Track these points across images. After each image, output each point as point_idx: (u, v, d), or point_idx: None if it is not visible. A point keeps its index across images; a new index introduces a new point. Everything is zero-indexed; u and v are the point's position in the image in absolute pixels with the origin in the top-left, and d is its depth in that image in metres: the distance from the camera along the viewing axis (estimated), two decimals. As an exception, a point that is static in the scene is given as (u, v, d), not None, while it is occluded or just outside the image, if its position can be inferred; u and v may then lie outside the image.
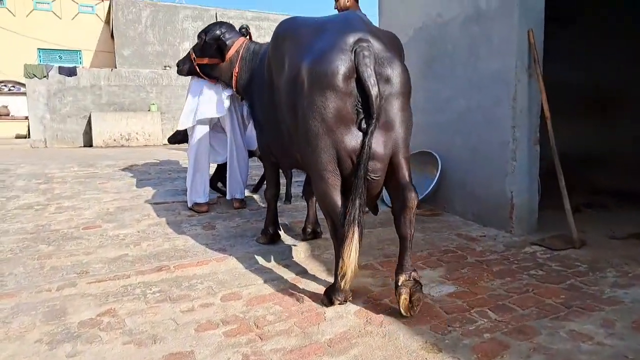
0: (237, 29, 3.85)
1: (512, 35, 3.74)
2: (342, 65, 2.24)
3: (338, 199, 2.40)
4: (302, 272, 3.06)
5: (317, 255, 3.40)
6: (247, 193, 4.93)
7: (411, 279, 2.40)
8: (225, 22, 3.96)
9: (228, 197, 4.61)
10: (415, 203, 2.41)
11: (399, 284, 2.38)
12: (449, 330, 2.24)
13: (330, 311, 2.49)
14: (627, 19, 5.84)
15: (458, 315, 2.40)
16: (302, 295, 2.70)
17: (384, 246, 3.59)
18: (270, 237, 3.58)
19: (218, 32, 3.71)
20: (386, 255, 3.39)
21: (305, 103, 2.32)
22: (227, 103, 4.13)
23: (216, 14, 17.37)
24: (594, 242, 3.66)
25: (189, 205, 4.47)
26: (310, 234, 3.65)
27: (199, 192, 4.47)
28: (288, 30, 2.57)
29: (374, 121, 2.26)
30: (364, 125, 2.29)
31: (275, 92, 2.73)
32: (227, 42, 3.67)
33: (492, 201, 4.05)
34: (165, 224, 4.02)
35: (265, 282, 2.90)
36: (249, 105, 3.79)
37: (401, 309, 2.34)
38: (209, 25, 3.90)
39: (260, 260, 3.28)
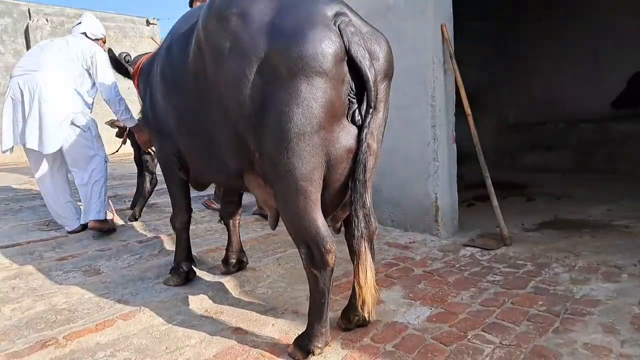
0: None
1: (427, 30, 3.58)
2: (331, 45, 1.72)
3: (321, 217, 1.88)
4: (243, 318, 2.43)
5: (251, 292, 2.78)
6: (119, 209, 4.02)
7: None
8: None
9: (82, 221, 3.75)
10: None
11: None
12: (464, 368, 1.87)
13: (310, 367, 1.94)
14: (489, 22, 6.26)
15: (460, 346, 2.05)
16: (261, 351, 2.09)
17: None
18: (184, 276, 2.84)
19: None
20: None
21: (283, 96, 1.74)
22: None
23: (29, 9, 14.85)
24: (515, 237, 3.67)
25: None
26: (235, 266, 3.00)
27: (63, 218, 3.75)
28: (231, 7, 1.92)
29: (371, 110, 1.82)
30: (357, 117, 1.83)
31: (209, 88, 2.05)
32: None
33: (414, 205, 3.85)
34: (26, 275, 2.96)
35: (201, 341, 2.20)
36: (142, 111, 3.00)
37: None
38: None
39: (182, 308, 2.54)
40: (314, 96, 1.72)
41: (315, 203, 1.86)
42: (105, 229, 3.69)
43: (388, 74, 1.93)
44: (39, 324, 2.36)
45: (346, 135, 1.83)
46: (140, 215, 4.30)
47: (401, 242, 3.66)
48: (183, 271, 2.84)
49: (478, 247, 3.47)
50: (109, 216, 3.87)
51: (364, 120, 1.83)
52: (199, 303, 2.61)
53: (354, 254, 2.02)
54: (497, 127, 8.24)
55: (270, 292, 2.77)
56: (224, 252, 3.40)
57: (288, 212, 1.91)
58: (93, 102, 3.88)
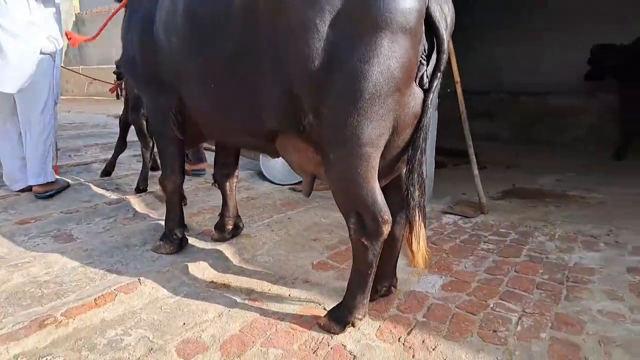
0: None
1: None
2: (418, 1, 1.59)
3: (378, 186, 1.79)
4: (254, 288, 2.30)
5: (252, 260, 2.63)
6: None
7: None
8: None
9: (29, 182, 3.25)
10: None
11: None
12: (500, 338, 1.91)
13: (349, 341, 1.88)
14: None
15: (487, 315, 2.09)
16: (288, 324, 1.99)
17: (314, 235, 3.01)
18: (177, 244, 2.62)
19: None
20: (330, 247, 2.84)
21: (362, 52, 1.57)
22: None
23: None
24: (488, 205, 3.80)
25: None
26: (230, 232, 2.81)
27: (14, 175, 3.29)
28: None
29: (439, 74, 1.74)
30: (425, 80, 1.73)
31: (260, 38, 1.79)
32: None
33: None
34: (-14, 241, 2.57)
35: (219, 314, 2.05)
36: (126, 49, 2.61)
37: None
38: None
39: (184, 279, 2.35)
40: (395, 54, 1.58)
41: (376, 170, 1.76)
42: (54, 190, 3.28)
43: (450, 37, 1.84)
44: (23, 300, 2.06)
45: (414, 99, 1.73)
46: (146, 187, 3.67)
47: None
48: (176, 238, 2.61)
49: (458, 215, 3.56)
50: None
51: (430, 84, 1.74)
52: (200, 273, 2.42)
53: (397, 224, 1.99)
54: (440, 94, 8.46)
55: (272, 260, 2.64)
56: (208, 215, 3.22)
57: (345, 179, 1.78)
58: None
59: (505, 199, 4.14)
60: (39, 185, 3.16)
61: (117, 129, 4.00)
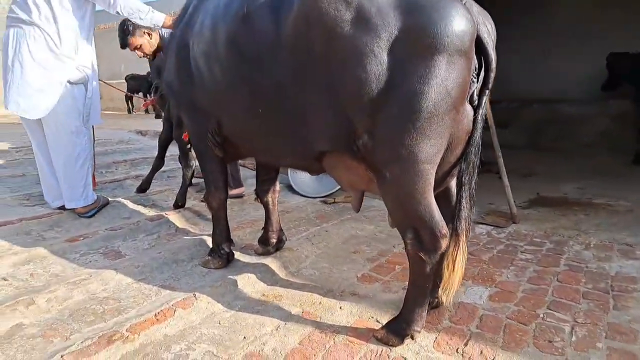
0: None
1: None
2: (471, 24, 1.68)
3: (434, 201, 1.84)
4: (306, 302, 2.35)
5: (298, 273, 2.69)
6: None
7: None
8: None
9: (67, 204, 3.30)
10: None
11: None
12: (557, 348, 1.95)
13: (408, 353, 1.92)
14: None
15: (539, 325, 2.13)
16: (345, 337, 2.04)
17: (353, 247, 3.07)
18: (225, 259, 2.68)
19: None
20: (370, 259, 2.89)
21: (421, 73, 1.64)
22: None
23: None
24: (518, 215, 3.84)
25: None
26: (274, 246, 2.87)
27: (54, 192, 3.36)
28: None
29: (487, 91, 1.83)
30: (475, 97, 1.82)
31: (313, 64, 1.86)
32: None
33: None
34: (40, 259, 2.63)
35: (277, 328, 2.11)
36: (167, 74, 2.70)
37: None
38: None
39: (237, 293, 2.41)
40: (451, 75, 1.65)
41: (432, 186, 1.81)
42: (96, 209, 3.36)
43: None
44: (87, 316, 2.12)
45: (466, 116, 1.81)
46: (184, 203, 3.77)
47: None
48: (224, 253, 2.68)
49: (491, 225, 3.60)
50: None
51: (479, 101, 1.82)
52: (251, 287, 2.48)
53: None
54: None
55: (317, 273, 2.70)
56: (248, 229, 3.28)
57: (402, 196, 1.84)
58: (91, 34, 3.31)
59: (533, 208, 4.18)
60: (81, 207, 3.24)
61: (141, 145, 4.10)
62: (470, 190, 1.90)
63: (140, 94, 11.19)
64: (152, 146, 5.95)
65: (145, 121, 9.52)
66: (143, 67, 8.79)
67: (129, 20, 3.43)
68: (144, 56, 3.78)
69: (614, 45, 6.79)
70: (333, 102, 1.87)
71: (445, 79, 1.65)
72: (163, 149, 3.97)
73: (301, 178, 4.28)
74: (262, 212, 3.62)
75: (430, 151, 1.74)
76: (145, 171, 4.60)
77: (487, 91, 1.83)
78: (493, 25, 1.88)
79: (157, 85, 4.03)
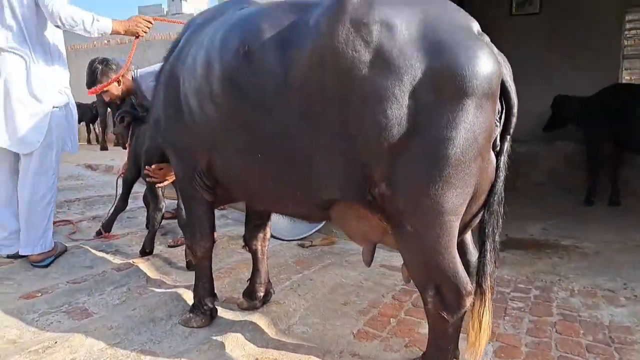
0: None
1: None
2: (498, 66, 1.59)
3: (458, 255, 1.72)
4: (304, 364, 2.15)
5: (288, 331, 2.47)
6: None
7: None
8: None
9: (21, 251, 2.97)
10: None
11: None
12: (578, 412, 1.86)
13: None
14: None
15: (554, 386, 2.04)
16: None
17: (342, 298, 2.89)
18: (209, 315, 2.43)
19: None
20: (362, 311, 2.73)
21: (448, 119, 1.53)
22: None
23: None
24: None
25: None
26: (261, 299, 2.65)
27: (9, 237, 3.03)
28: (373, 12, 1.60)
29: (509, 137, 1.73)
30: (497, 143, 1.72)
31: (324, 108, 1.71)
32: None
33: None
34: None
35: (278, 397, 1.89)
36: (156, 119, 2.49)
37: None
38: None
39: (228, 357, 2.16)
40: (479, 119, 1.56)
41: (456, 239, 1.70)
42: (53, 257, 3.02)
43: None
44: (55, 394, 1.82)
45: (490, 163, 1.71)
46: (152, 249, 3.46)
47: (396, 264, 3.60)
48: (208, 309, 2.43)
49: (473, 270, 3.55)
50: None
51: (502, 146, 1.73)
52: (241, 349, 2.24)
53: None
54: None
55: (310, 330, 2.50)
56: (227, 279, 3.06)
57: (423, 250, 1.70)
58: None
59: (507, 251, 4.18)
60: (41, 254, 2.88)
61: (92, 181, 3.80)
62: (495, 243, 1.79)
63: (82, 123, 10.58)
64: (104, 182, 5.56)
65: (90, 153, 8.95)
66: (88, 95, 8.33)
67: (98, 63, 3.22)
68: (109, 100, 3.52)
69: (562, 88, 7.19)
70: (346, 147, 1.72)
71: (473, 123, 1.56)
72: (129, 189, 3.67)
73: (275, 220, 4.07)
74: (238, 258, 3.43)
75: (456, 201, 1.63)
76: (102, 211, 4.26)
77: (508, 137, 1.74)
78: (510, 68, 1.84)
79: (122, 115, 3.73)
